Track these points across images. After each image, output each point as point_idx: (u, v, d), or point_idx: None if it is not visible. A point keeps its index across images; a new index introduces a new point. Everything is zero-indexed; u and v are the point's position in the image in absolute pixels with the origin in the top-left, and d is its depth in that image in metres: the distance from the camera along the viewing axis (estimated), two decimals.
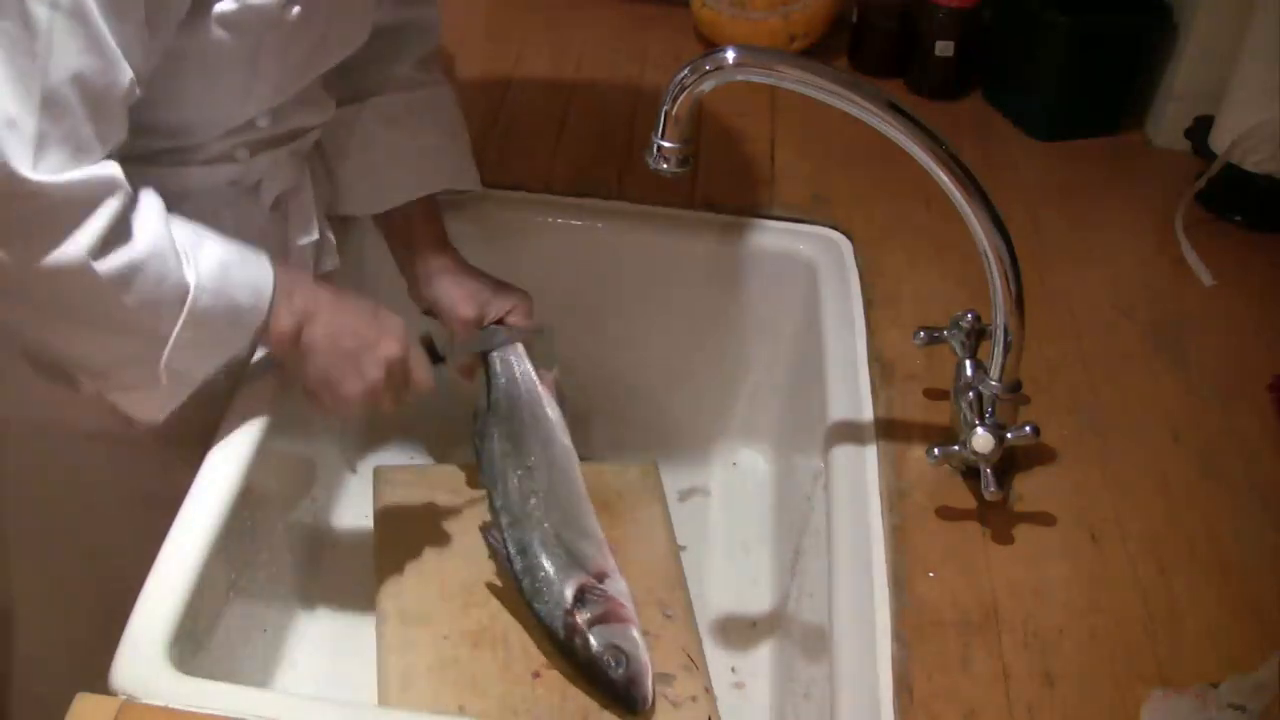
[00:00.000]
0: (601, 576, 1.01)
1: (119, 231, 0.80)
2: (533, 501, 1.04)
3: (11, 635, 1.11)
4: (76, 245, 0.77)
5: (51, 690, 0.78)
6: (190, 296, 0.83)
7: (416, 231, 1.12)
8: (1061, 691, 0.80)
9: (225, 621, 0.91)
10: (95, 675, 0.78)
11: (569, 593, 0.99)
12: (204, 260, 0.85)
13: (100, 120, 0.78)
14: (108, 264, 0.79)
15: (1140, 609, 0.86)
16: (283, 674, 1.02)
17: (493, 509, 1.05)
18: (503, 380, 1.09)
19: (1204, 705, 0.76)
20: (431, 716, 0.94)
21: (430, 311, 1.13)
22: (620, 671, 0.97)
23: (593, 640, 0.98)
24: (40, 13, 0.74)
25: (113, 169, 0.80)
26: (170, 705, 0.76)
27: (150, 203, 0.83)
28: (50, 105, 0.75)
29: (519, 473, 1.05)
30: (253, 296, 0.88)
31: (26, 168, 0.74)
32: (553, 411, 1.08)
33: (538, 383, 1.09)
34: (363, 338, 0.93)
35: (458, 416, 1.14)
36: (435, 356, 1.03)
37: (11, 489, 1.03)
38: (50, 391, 0.93)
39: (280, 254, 1.04)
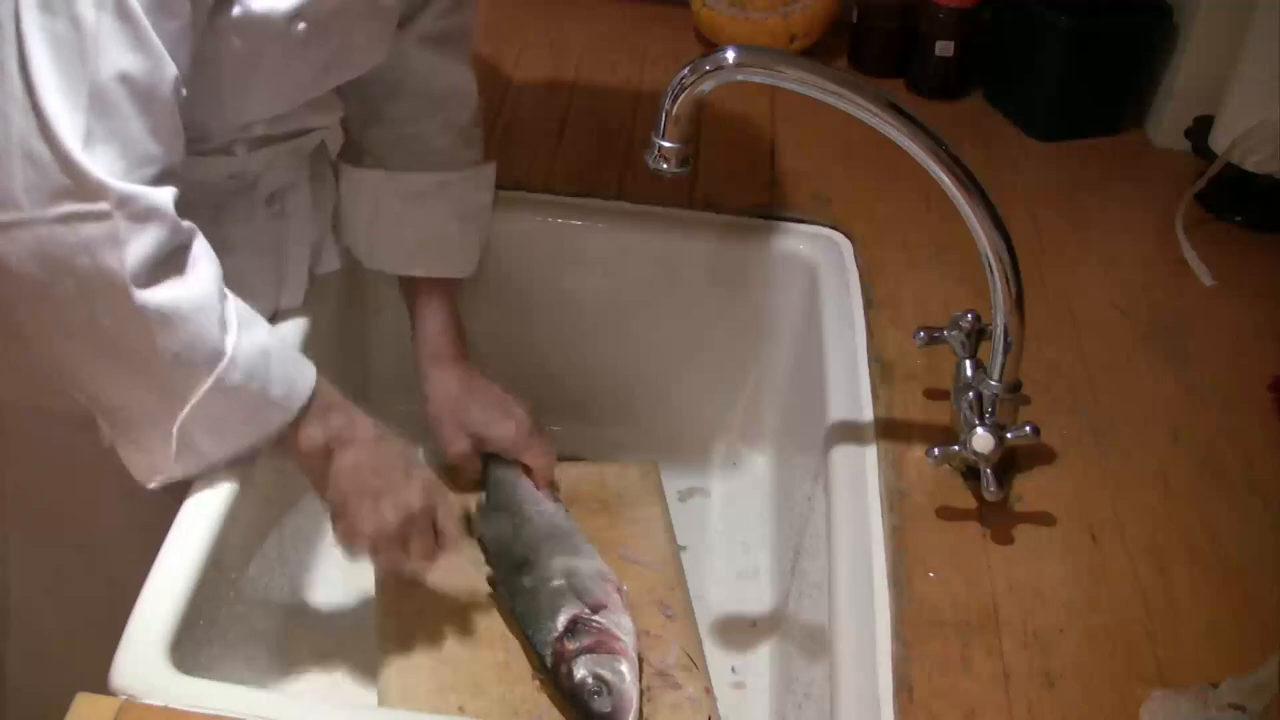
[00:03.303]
0: (598, 608, 1.00)
1: (167, 267, 0.80)
2: (531, 548, 1.04)
3: (7, 628, 1.10)
4: (119, 260, 0.77)
5: (47, 683, 0.78)
6: (222, 366, 0.82)
7: (428, 324, 1.13)
8: (1061, 691, 0.80)
9: (225, 621, 0.91)
10: (93, 669, 0.78)
11: (560, 621, 0.98)
12: (249, 339, 0.84)
13: (149, 117, 0.78)
14: (149, 295, 0.79)
15: (1140, 609, 0.86)
16: (283, 674, 1.02)
17: (494, 568, 1.05)
18: (508, 508, 1.10)
19: (1204, 705, 0.76)
20: (431, 716, 0.94)
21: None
22: (600, 700, 0.94)
23: (576, 669, 0.95)
24: (88, 13, 0.75)
25: (163, 197, 0.79)
26: (170, 705, 0.76)
27: (210, 265, 0.83)
28: (98, 102, 0.76)
29: (518, 537, 1.06)
30: (285, 394, 0.87)
31: (78, 155, 0.75)
32: (551, 505, 1.10)
33: (541, 499, 1.10)
34: (389, 480, 0.92)
35: None
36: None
37: (8, 476, 1.03)
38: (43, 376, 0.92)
39: (278, 252, 1.04)
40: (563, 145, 1.32)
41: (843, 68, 1.49)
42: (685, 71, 0.84)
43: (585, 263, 1.25)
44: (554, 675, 0.97)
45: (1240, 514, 0.94)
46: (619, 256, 1.24)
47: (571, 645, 0.97)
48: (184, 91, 0.81)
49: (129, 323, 0.79)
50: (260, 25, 0.86)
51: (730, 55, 0.84)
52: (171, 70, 0.79)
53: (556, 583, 1.01)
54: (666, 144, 0.87)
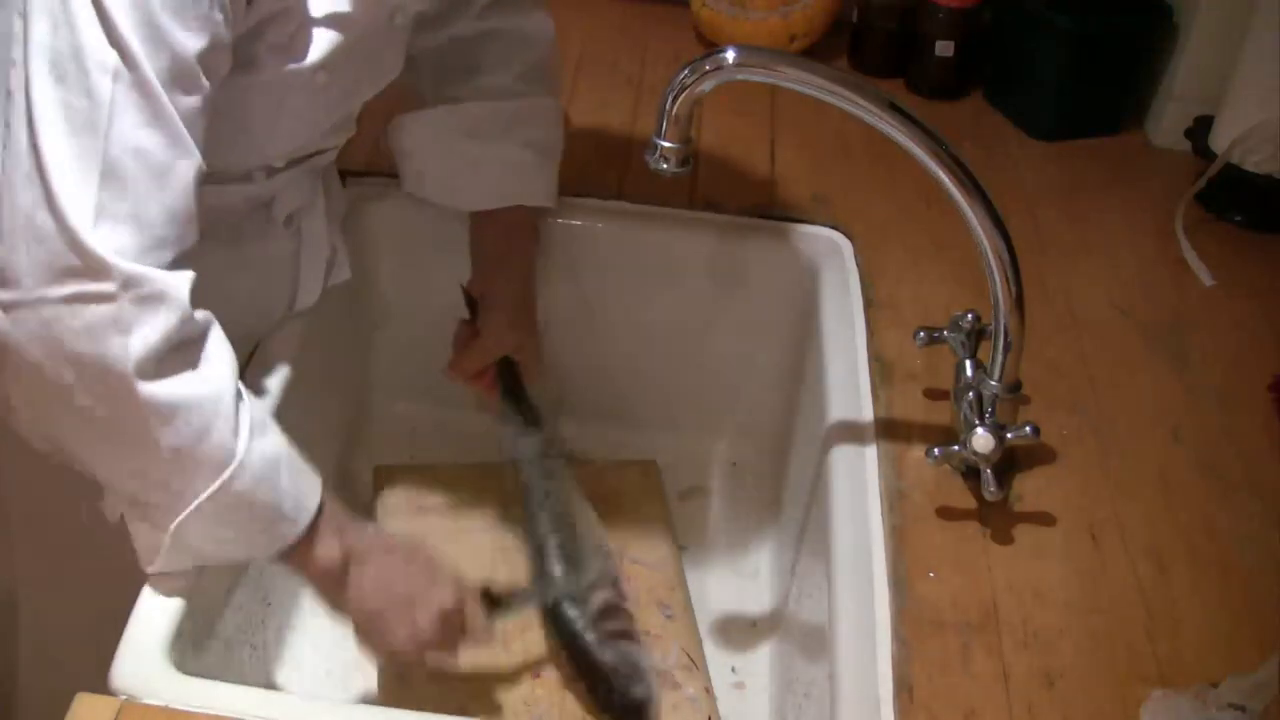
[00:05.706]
0: (623, 599, 1.02)
1: (177, 359, 0.75)
2: (568, 518, 1.05)
3: (16, 625, 1.10)
4: (123, 348, 0.72)
5: (57, 682, 0.78)
6: (230, 469, 0.77)
7: (507, 245, 1.13)
8: (1061, 691, 0.80)
9: (225, 621, 0.91)
10: (100, 667, 0.78)
11: (599, 599, 0.99)
12: (261, 444, 0.80)
13: (164, 196, 0.74)
14: (154, 388, 0.74)
15: (1140, 609, 0.86)
16: (283, 674, 1.02)
17: (529, 505, 1.05)
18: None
19: (1204, 705, 0.76)
20: (431, 716, 0.94)
21: (473, 294, 1.14)
22: (640, 688, 0.96)
23: (613, 653, 0.97)
24: (103, 84, 0.71)
25: (176, 281, 0.75)
26: (170, 705, 0.76)
27: (225, 361, 0.79)
28: (110, 178, 0.72)
29: (556, 490, 1.06)
30: (294, 508, 0.82)
31: (86, 232, 0.71)
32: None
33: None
34: (416, 585, 0.89)
35: (459, 418, 1.14)
36: (494, 602, 0.97)
37: (11, 474, 1.03)
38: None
39: (293, 269, 1.05)
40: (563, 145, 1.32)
41: (843, 68, 1.48)
42: (685, 71, 0.84)
43: (585, 263, 1.25)
44: (582, 649, 0.98)
45: (1240, 514, 0.94)
46: (619, 256, 1.24)
47: (611, 627, 0.98)
48: (205, 168, 0.77)
49: (131, 415, 0.75)
50: (286, 81, 0.86)
51: (730, 55, 0.84)
52: (190, 148, 0.75)
53: (595, 564, 1.02)
54: (666, 144, 0.87)
